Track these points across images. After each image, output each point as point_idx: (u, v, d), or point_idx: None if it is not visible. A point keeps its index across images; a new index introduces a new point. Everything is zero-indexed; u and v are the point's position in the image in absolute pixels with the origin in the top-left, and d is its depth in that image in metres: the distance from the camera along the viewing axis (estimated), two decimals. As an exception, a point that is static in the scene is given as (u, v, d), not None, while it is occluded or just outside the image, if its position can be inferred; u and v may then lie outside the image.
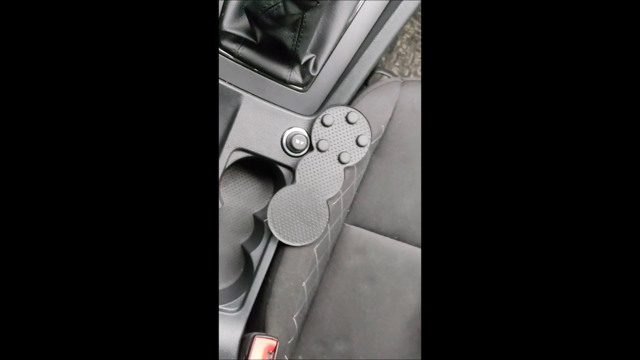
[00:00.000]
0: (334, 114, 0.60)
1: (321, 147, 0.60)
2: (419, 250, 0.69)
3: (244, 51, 0.59)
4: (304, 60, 0.58)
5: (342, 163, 0.60)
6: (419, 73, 1.16)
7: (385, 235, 0.68)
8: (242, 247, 0.66)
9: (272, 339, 0.59)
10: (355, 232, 0.67)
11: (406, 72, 1.15)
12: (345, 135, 0.61)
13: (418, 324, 0.72)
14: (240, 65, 0.60)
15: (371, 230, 0.67)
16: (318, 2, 0.48)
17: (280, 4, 0.48)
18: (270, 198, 0.69)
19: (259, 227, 0.66)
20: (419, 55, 1.15)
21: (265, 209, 0.68)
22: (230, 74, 0.60)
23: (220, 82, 0.59)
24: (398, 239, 0.68)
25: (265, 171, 0.67)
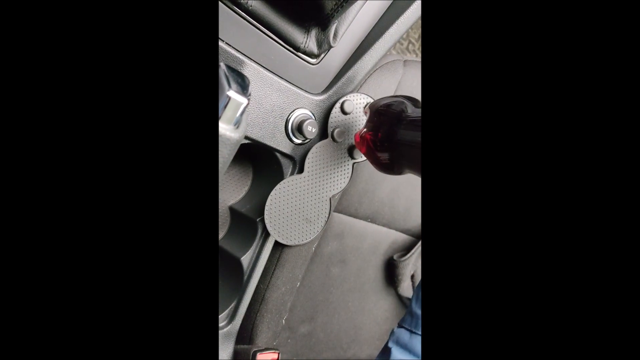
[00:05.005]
0: (355, 101, 0.51)
1: (337, 136, 0.51)
2: (385, 230, 0.69)
3: (255, 4, 0.42)
4: (330, 28, 0.46)
5: (352, 158, 0.53)
6: (418, 52, 1.15)
7: (361, 218, 0.65)
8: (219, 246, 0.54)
9: (272, 352, 0.52)
10: (336, 219, 0.63)
11: (404, 44, 1.14)
12: (360, 127, 0.52)
13: (373, 296, 0.75)
14: (246, 23, 0.43)
15: (350, 215, 0.64)
16: None
17: None
18: (250, 187, 0.57)
19: (239, 224, 0.54)
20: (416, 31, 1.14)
21: (244, 201, 0.56)
22: (232, 32, 0.43)
23: (220, 43, 0.42)
24: (371, 221, 0.67)
25: (245, 153, 0.54)
